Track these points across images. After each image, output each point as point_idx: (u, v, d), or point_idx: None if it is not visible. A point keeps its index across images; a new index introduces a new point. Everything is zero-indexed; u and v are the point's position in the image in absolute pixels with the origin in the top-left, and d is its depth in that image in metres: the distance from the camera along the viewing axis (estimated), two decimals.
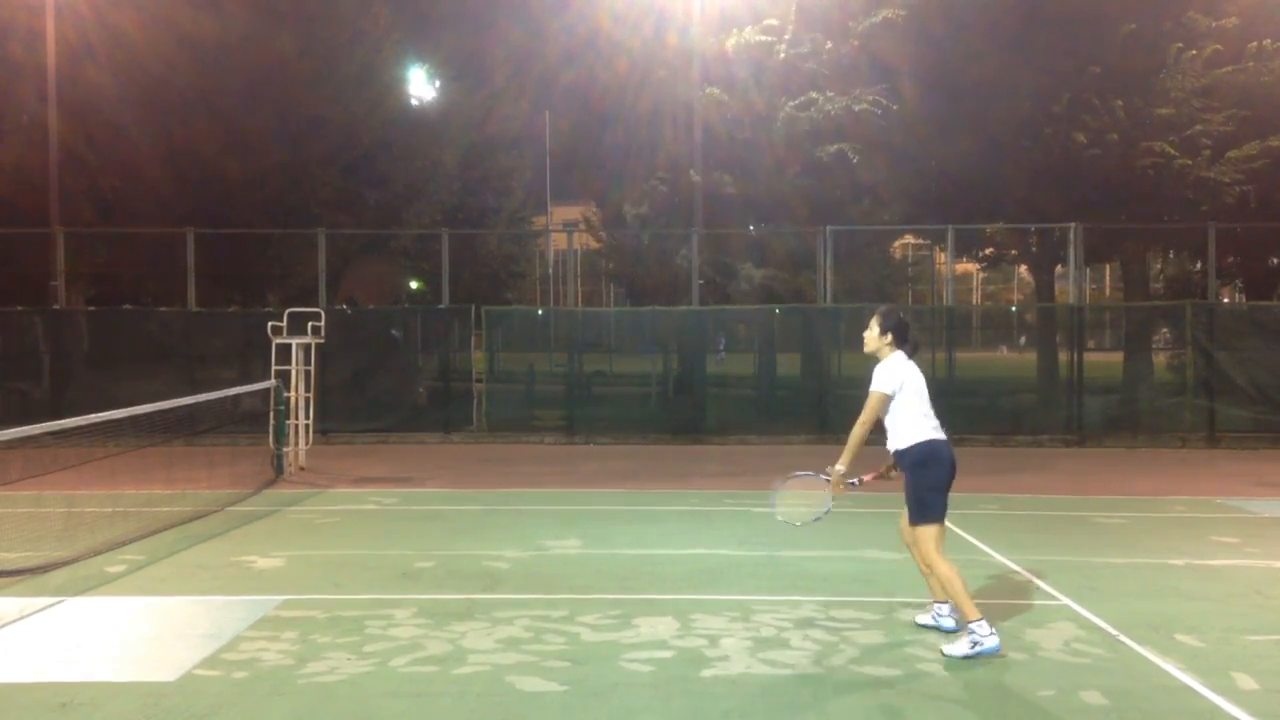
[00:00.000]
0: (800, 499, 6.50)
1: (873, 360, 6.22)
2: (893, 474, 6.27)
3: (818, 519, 6.44)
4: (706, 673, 5.53)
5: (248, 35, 20.22)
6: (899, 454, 6.11)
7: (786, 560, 8.22)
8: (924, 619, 6.41)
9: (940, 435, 6.07)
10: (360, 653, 5.85)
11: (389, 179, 23.66)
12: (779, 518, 6.61)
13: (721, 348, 22.09)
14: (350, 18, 22.21)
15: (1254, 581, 7.65)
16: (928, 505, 6.01)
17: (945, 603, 6.23)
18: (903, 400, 6.05)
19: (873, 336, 6.22)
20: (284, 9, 20.82)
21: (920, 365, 6.19)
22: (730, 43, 19.77)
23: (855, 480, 6.18)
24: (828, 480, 6.17)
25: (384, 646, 5.96)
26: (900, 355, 6.15)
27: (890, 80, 19.05)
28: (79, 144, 20.39)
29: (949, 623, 6.22)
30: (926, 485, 6.00)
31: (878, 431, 6.11)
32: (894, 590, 7.27)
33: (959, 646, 5.83)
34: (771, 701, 5.12)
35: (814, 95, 19.05)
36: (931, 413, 6.09)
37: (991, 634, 5.81)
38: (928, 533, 6.01)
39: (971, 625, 5.83)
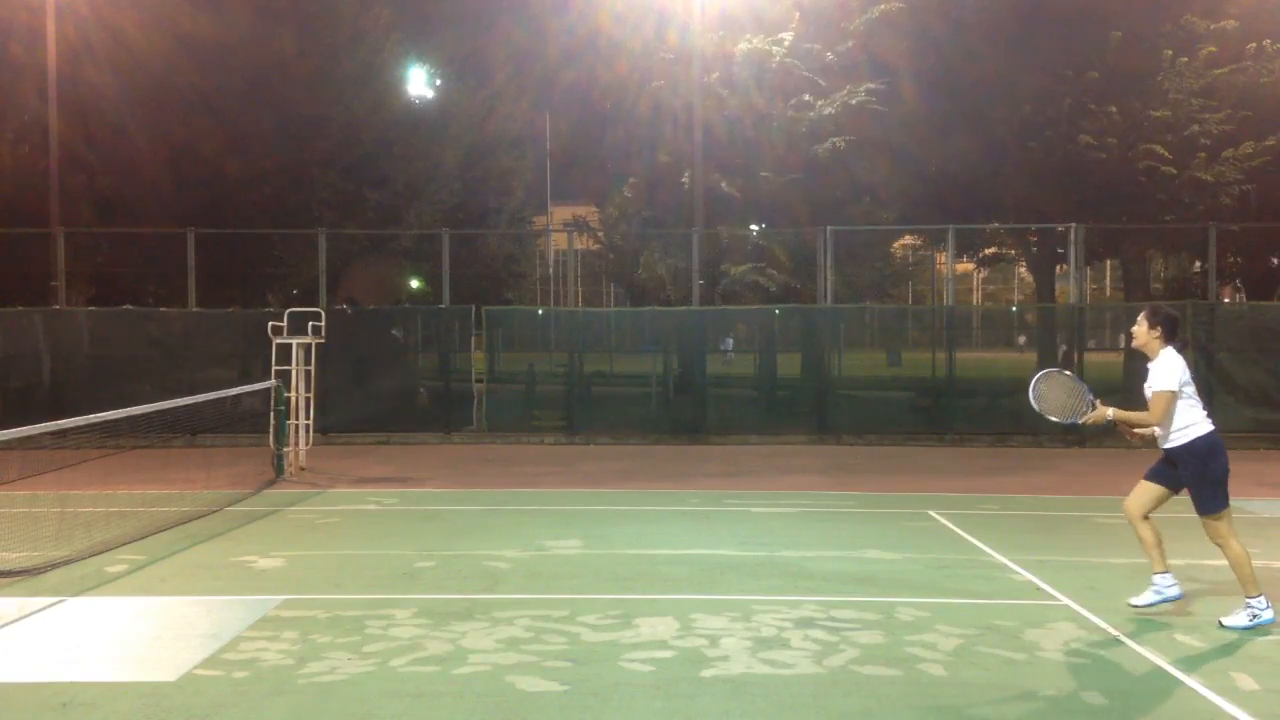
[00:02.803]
0: (1062, 394, 6.53)
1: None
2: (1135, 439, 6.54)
3: (1070, 421, 6.54)
4: (707, 673, 5.53)
5: (248, 35, 20.22)
6: (1180, 450, 6.23)
7: (786, 560, 8.22)
8: (1140, 600, 6.56)
9: (1213, 426, 6.23)
10: (360, 653, 5.85)
11: (389, 179, 23.65)
12: (1038, 405, 6.61)
13: (729, 349, 22.03)
14: (350, 18, 22.23)
15: None
16: (1217, 497, 6.21)
17: (1165, 573, 6.46)
18: (1183, 397, 6.19)
19: (1141, 331, 6.32)
20: (284, 9, 20.82)
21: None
22: (740, 48, 19.74)
23: (1082, 419, 6.38)
24: (1093, 403, 6.34)
25: (384, 646, 5.96)
26: (1172, 350, 6.24)
27: (889, 78, 19.04)
28: (79, 144, 20.39)
29: (1174, 590, 6.47)
30: (1213, 479, 6.21)
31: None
32: (894, 590, 7.28)
33: (1239, 619, 6.17)
34: (772, 701, 5.12)
35: (808, 98, 19.06)
36: (1201, 405, 6.26)
37: (1268, 608, 6.13)
38: (1220, 520, 6.22)
39: (1251, 600, 6.15)
